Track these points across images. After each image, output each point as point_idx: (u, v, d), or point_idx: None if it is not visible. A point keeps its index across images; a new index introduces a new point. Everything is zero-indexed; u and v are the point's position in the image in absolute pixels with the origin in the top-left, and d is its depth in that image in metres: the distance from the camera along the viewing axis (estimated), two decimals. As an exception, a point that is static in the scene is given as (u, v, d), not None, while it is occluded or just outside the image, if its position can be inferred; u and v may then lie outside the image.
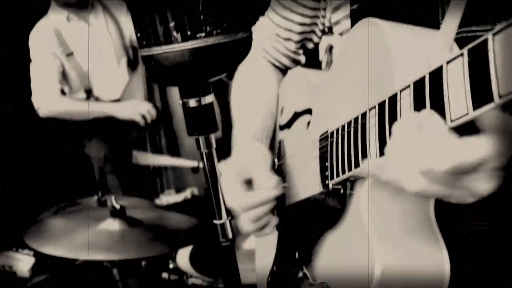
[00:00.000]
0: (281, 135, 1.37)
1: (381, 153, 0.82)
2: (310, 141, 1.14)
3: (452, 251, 0.89)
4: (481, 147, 0.65)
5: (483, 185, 0.70)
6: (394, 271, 0.87)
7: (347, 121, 0.94)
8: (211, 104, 0.82)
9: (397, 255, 0.88)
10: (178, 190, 3.19)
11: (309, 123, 1.20)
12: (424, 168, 0.70)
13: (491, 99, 0.61)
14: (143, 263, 2.86)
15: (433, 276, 0.89)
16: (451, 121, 0.67)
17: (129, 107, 3.30)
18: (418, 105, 0.73)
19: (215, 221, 0.87)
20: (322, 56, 1.46)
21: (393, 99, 0.79)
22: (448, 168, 0.67)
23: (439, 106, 0.69)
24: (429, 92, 0.71)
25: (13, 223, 2.85)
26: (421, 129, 0.70)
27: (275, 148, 1.40)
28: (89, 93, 3.36)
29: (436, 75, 0.70)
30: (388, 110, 0.80)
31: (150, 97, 3.45)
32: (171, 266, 2.43)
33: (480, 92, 0.62)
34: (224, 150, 1.26)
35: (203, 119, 0.82)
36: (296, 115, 1.28)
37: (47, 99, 3.27)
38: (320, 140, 1.08)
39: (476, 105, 0.63)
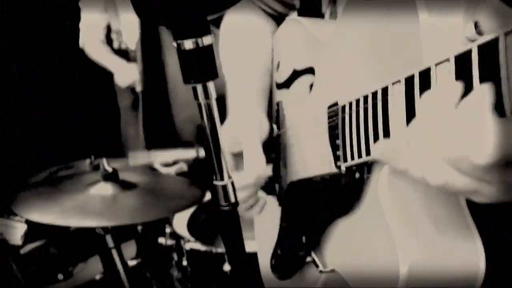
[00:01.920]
0: (279, 95, 1.22)
1: None
2: (315, 110, 1.00)
3: (487, 242, 0.78)
4: None
5: None
6: (422, 268, 0.76)
7: (362, 96, 0.79)
8: (210, 46, 0.70)
9: (424, 249, 0.77)
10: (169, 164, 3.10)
11: (312, 85, 1.05)
12: (456, 155, 0.55)
13: (503, 114, 0.52)
14: (139, 227, 2.79)
15: (466, 272, 0.77)
16: None
17: (122, 75, 3.27)
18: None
19: (216, 182, 0.76)
20: (325, 8, 1.30)
21: (426, 74, 0.64)
22: (491, 159, 0.51)
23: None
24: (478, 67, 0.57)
25: (5, 188, 2.75)
26: (460, 104, 0.56)
27: (273, 111, 1.26)
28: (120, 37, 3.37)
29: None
30: (420, 87, 0.65)
31: (145, 64, 3.32)
32: (167, 230, 2.35)
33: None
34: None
35: (200, 64, 0.70)
36: (296, 74, 1.13)
37: (86, 41, 3.37)
38: (329, 113, 0.94)
39: None
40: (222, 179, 0.76)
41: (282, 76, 1.20)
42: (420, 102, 0.61)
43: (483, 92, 0.53)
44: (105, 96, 3.61)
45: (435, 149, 0.57)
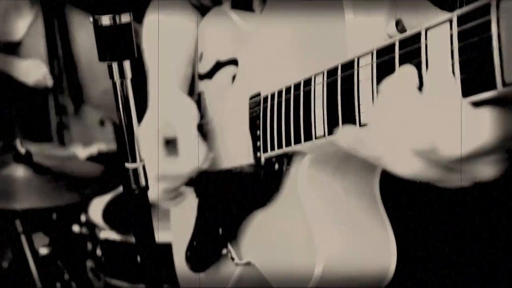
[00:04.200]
0: (201, 85, 1.22)
1: (330, 131, 0.68)
2: (236, 101, 1.00)
3: (397, 230, 0.81)
4: (496, 125, 0.49)
5: (488, 169, 0.54)
6: (338, 259, 0.78)
7: (285, 86, 0.79)
8: (128, 24, 0.68)
9: (341, 241, 0.79)
10: (85, 144, 2.99)
11: (234, 76, 1.05)
12: (425, 147, 0.53)
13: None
14: (54, 215, 2.69)
15: (379, 263, 0.80)
16: None
17: (24, 70, 3.02)
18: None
19: (127, 165, 0.75)
20: (257, 5, 1.30)
21: (348, 66, 0.65)
22: (467, 153, 0.50)
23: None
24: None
25: None
26: (426, 92, 0.53)
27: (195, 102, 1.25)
28: None
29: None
30: (341, 80, 0.66)
31: (51, 46, 3.16)
32: (83, 219, 2.27)
33: None
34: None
35: (117, 41, 0.68)
36: (219, 65, 1.12)
37: None
38: (250, 103, 0.93)
39: None
40: (134, 161, 0.74)
41: (205, 66, 1.19)
42: (383, 86, 0.59)
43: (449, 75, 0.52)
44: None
45: (402, 140, 0.55)
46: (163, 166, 1.02)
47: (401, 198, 0.87)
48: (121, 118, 0.72)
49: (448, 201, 0.90)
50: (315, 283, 0.78)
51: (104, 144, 2.79)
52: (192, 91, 1.24)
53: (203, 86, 1.21)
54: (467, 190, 0.61)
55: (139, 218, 0.79)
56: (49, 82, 3.03)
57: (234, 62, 1.05)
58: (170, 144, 1.10)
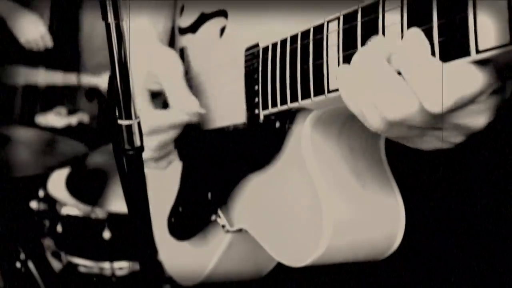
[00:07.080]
0: (183, 41, 1.13)
1: None
2: (228, 55, 0.91)
3: (405, 194, 0.76)
4: (480, 71, 0.48)
5: (478, 118, 0.53)
6: (346, 223, 0.72)
7: (290, 35, 0.71)
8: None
9: (348, 204, 0.73)
10: (70, 112, 2.82)
11: (223, 29, 0.96)
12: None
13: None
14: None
15: (388, 227, 0.75)
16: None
17: (23, 28, 2.79)
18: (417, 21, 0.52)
19: (120, 121, 0.65)
20: None
21: (371, 10, 0.57)
22: (449, 106, 0.49)
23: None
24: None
25: None
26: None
27: None
28: None
29: None
30: (362, 25, 0.58)
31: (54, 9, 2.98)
32: (41, 194, 2.14)
33: None
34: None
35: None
36: (204, 17, 1.04)
37: None
38: (247, 55, 0.84)
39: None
40: (128, 117, 0.65)
41: (186, 20, 1.10)
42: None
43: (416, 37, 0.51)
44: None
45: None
46: (153, 119, 0.93)
47: (408, 161, 0.81)
48: (115, 66, 0.62)
49: (458, 166, 0.85)
50: (322, 250, 0.71)
51: (87, 116, 2.64)
52: (172, 47, 1.15)
53: (185, 41, 1.11)
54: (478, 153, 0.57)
55: (132, 183, 0.70)
56: (48, 43, 2.80)
57: (222, 13, 0.97)
58: (156, 98, 1.02)
